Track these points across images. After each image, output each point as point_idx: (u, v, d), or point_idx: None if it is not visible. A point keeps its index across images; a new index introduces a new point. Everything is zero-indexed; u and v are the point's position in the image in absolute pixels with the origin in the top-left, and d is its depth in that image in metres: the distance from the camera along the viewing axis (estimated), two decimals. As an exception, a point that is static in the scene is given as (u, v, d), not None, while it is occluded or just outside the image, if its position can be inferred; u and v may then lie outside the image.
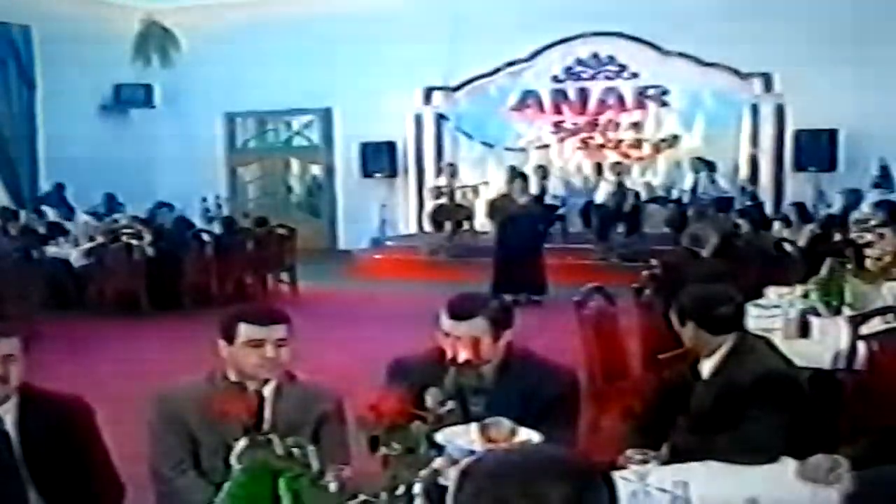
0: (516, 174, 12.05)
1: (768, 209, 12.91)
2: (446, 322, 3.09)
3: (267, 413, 3.02)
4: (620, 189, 13.30)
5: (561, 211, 13.71)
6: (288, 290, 12.11)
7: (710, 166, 13.54)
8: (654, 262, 6.73)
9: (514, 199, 10.94)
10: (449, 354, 2.99)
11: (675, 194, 13.76)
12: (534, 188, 12.69)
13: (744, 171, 14.02)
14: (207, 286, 11.13)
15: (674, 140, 14.54)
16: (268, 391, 3.07)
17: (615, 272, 10.82)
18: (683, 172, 14.02)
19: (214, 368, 3.13)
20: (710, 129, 14.21)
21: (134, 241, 10.94)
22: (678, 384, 3.55)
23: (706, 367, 3.44)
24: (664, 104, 14.52)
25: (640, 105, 14.64)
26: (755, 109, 13.94)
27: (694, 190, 13.40)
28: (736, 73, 13.73)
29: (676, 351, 3.71)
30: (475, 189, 14.46)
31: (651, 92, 14.54)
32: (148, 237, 11.11)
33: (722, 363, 3.40)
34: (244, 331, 3.03)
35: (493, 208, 11.53)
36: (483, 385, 3.09)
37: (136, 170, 15.42)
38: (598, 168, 14.51)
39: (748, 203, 12.49)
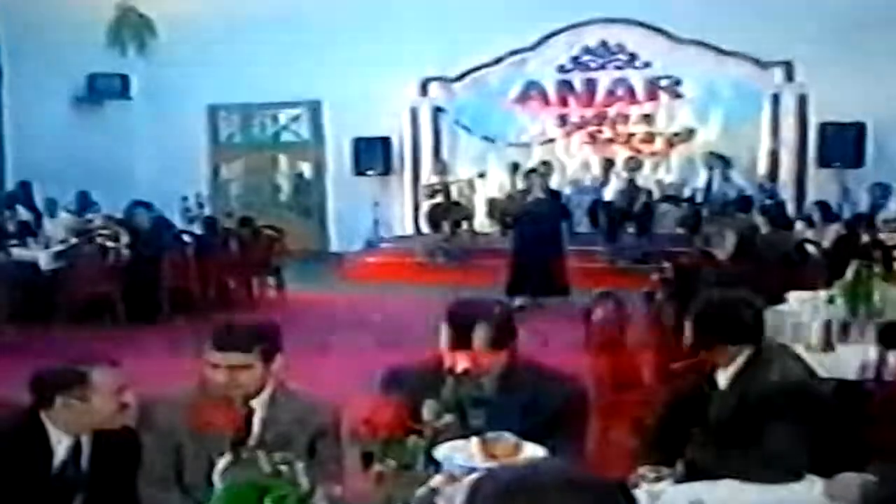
0: (532, 168, 12.12)
1: (790, 208, 12.90)
2: (445, 330, 3.09)
3: (256, 426, 3.02)
4: (631, 187, 13.31)
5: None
6: (275, 296, 12.10)
7: (727, 162, 13.54)
8: (666, 264, 6.72)
9: (533, 194, 10.90)
10: (447, 363, 2.98)
11: (688, 192, 13.76)
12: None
13: (763, 168, 14.02)
14: (188, 291, 11.10)
15: (688, 134, 14.55)
16: (259, 402, 3.07)
17: (624, 275, 10.84)
18: (698, 169, 14.03)
19: (205, 377, 3.12)
20: (726, 121, 14.21)
21: (109, 243, 10.91)
22: (693, 395, 3.54)
23: (723, 378, 3.43)
24: (677, 95, 14.52)
25: (652, 96, 14.65)
26: (776, 100, 13.94)
27: (709, 188, 13.40)
28: (755, 61, 13.73)
29: (691, 360, 3.71)
30: (470, 183, 14.46)
31: (664, 82, 14.54)
32: (124, 239, 11.09)
33: (740, 373, 3.40)
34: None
35: (509, 205, 11.54)
36: (484, 396, 3.09)
37: (111, 166, 15.38)
38: (607, 164, 14.52)
39: (768, 201, 12.48)
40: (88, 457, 2.98)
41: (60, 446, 2.94)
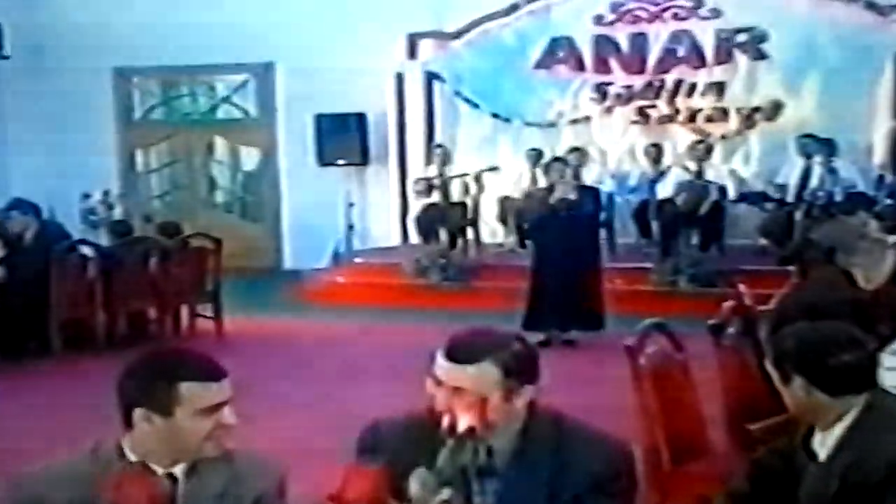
0: (558, 157, 12.18)
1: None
2: (442, 367, 3.09)
3: (179, 502, 3.02)
4: (696, 181, 13.34)
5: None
6: (211, 328, 12.10)
7: (830, 147, 13.56)
8: (742, 287, 6.72)
9: (560, 192, 10.89)
10: (445, 420, 2.99)
11: (774, 189, 13.79)
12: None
13: (880, 155, 14.04)
14: (90, 323, 11.11)
15: (774, 109, 14.59)
16: (180, 470, 3.07)
17: (685, 301, 10.89)
18: (789, 156, 14.06)
19: (100, 442, 3.11)
20: (829, 91, 14.23)
21: (-22, 258, 10.95)
22: (781, 468, 3.54)
23: (823, 444, 3.44)
24: (760, 56, 14.58)
25: (725, 58, 14.69)
26: (899, 61, 14.02)
27: (804, 182, 13.43)
28: (870, 5, 13.76)
29: (776, 418, 3.71)
30: (478, 179, 14.47)
31: (741, 38, 14.60)
32: (-1, 252, 11.12)
33: (847, 438, 3.39)
34: (191, 393, 2.97)
35: (528, 207, 11.57)
36: (494, 464, 3.10)
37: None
38: (660, 152, 14.55)
39: (886, 201, 12.51)
40: None
41: None
